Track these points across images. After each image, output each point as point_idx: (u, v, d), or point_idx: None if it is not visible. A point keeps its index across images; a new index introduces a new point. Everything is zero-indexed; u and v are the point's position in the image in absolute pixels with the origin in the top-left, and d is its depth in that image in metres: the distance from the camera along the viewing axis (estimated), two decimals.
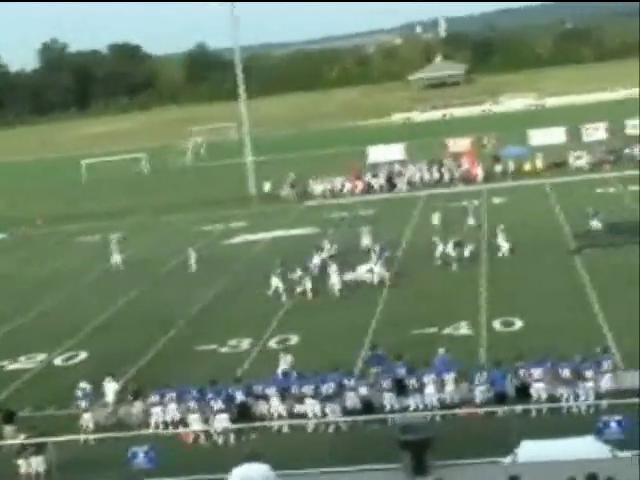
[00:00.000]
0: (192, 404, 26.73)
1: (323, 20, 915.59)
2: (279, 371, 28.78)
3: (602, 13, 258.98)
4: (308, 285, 40.63)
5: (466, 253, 43.57)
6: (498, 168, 68.56)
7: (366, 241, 47.84)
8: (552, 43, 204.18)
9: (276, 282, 40.96)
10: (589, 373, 25.71)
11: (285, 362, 29.33)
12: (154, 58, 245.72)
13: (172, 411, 27.12)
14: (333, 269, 41.24)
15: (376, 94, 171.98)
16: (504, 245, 44.07)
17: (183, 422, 26.92)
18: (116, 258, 51.00)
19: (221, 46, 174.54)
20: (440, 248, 43.83)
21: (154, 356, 35.06)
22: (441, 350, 28.29)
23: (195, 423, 26.60)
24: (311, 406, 26.45)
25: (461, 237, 45.27)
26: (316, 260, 44.53)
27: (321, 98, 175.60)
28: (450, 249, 43.61)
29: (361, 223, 53.16)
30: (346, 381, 26.84)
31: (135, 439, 24.94)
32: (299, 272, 41.73)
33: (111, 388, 29.10)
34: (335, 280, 40.67)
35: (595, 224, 45.94)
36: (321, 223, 58.38)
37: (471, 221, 50.46)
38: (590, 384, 25.64)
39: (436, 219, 51.62)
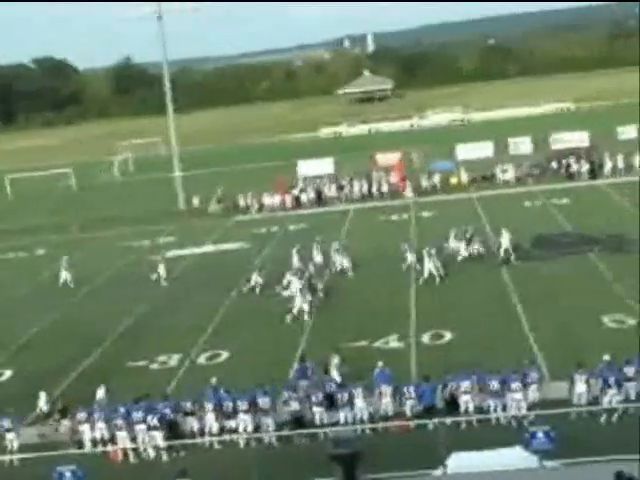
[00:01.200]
0: (120, 422, 26.41)
1: (252, 34, 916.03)
2: (333, 374, 28.69)
3: (524, 29, 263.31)
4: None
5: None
6: (426, 182, 69.06)
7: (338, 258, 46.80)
8: (476, 58, 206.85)
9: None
10: (516, 385, 26.00)
11: (334, 364, 29.28)
12: (80, 72, 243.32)
13: (100, 429, 26.79)
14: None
15: (305, 108, 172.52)
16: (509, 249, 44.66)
17: (112, 440, 26.60)
18: (66, 276, 49.49)
19: (148, 60, 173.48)
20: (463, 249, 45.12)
21: (83, 373, 34.61)
22: (379, 363, 28.39)
23: (123, 441, 26.29)
24: (243, 422, 26.34)
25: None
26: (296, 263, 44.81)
27: (250, 112, 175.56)
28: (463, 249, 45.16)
29: (293, 238, 53.18)
30: (286, 393, 26.90)
31: (62, 459, 24.55)
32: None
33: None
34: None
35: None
36: (250, 238, 58.25)
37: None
38: (518, 395, 25.94)
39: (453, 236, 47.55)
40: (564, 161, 68.56)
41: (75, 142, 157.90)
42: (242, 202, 69.55)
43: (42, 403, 29.39)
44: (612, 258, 42.63)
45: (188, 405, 27.01)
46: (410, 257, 44.19)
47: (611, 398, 25.36)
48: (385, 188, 68.53)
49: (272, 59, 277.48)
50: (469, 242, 45.54)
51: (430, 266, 41.89)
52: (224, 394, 27.33)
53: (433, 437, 22.95)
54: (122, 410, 26.78)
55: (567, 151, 71.17)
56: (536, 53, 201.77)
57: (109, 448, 26.40)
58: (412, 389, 26.59)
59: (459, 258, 44.80)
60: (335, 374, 28.80)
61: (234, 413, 26.47)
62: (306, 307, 38.57)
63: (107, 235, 64.92)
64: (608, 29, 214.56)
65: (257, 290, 43.21)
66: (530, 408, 25.66)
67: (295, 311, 38.49)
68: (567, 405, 25.51)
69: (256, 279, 43.61)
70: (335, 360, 29.55)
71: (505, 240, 44.66)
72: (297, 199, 68.74)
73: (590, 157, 68.06)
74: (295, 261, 45.28)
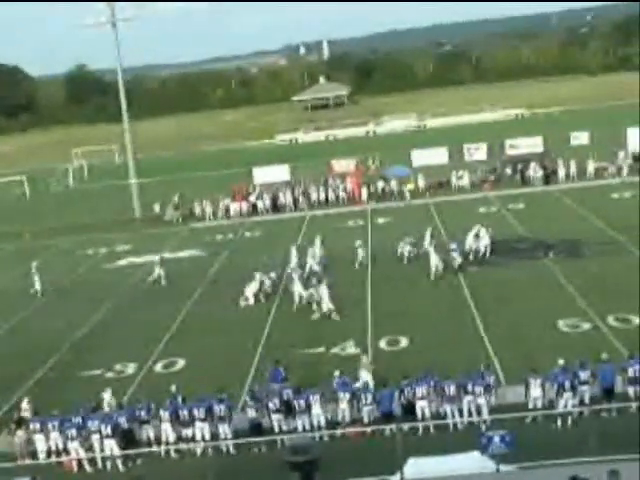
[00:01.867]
0: (72, 432, 26.14)
1: (206, 41, 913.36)
2: (363, 375, 28.56)
3: (479, 36, 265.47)
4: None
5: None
6: (382, 188, 69.16)
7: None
8: (431, 65, 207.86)
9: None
10: (478, 389, 26.13)
11: (363, 364, 29.23)
12: (34, 79, 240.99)
13: (54, 439, 26.52)
14: (296, 279, 41.20)
15: (260, 115, 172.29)
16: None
17: (66, 450, 26.36)
18: (37, 285, 48.63)
19: (103, 67, 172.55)
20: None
21: (37, 383, 34.26)
22: (336, 373, 28.35)
23: (76, 451, 26.03)
24: (200, 429, 26.21)
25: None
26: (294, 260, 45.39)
27: (206, 120, 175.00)
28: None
29: (249, 245, 53.08)
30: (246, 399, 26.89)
31: (17, 470, 24.26)
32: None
33: None
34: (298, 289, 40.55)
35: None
36: (206, 245, 58.08)
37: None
38: (480, 400, 26.07)
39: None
40: (519, 166, 69.04)
41: (29, 149, 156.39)
42: (198, 209, 69.28)
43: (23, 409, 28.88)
44: (566, 263, 43.07)
45: (143, 414, 26.85)
46: (407, 252, 45.95)
47: (566, 402, 25.59)
48: (341, 194, 68.69)
49: (227, 66, 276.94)
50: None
51: (436, 261, 42.80)
52: (180, 402, 27.20)
53: (390, 443, 22.99)
54: (77, 419, 26.55)
55: (522, 157, 71.73)
56: (490, 60, 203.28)
57: (64, 458, 26.16)
58: (369, 395, 26.62)
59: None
60: (364, 375, 28.70)
61: (191, 421, 26.34)
62: (326, 306, 38.39)
63: (61, 243, 64.30)
64: (561, 37, 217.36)
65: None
66: (487, 413, 25.82)
67: (324, 307, 38.34)
68: (523, 409, 25.69)
69: (261, 278, 42.93)
70: (364, 360, 29.56)
71: (484, 240, 45.57)
72: (254, 206, 68.59)
73: (544, 163, 68.61)
74: (294, 258, 45.59)
